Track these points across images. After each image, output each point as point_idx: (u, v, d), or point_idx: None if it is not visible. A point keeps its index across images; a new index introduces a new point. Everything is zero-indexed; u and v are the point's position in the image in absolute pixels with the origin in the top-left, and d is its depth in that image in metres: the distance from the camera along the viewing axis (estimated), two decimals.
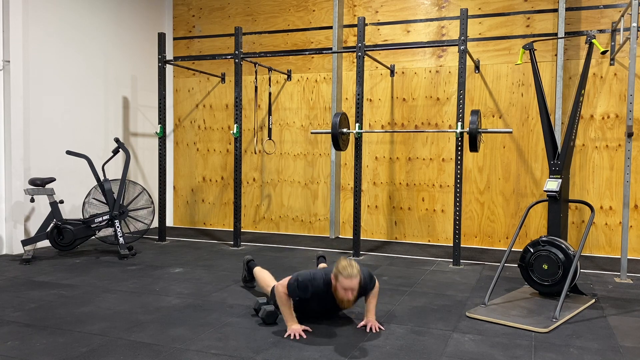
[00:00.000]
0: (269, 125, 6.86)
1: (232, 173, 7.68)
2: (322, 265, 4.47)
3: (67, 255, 5.75)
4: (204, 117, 7.88)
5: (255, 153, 7.30)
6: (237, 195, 6.26)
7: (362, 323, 3.47)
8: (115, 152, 6.09)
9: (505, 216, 6.45)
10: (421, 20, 6.74)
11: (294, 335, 3.28)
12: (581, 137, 6.10)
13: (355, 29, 6.94)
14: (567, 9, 6.09)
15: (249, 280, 4.40)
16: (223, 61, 7.66)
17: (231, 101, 7.66)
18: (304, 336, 3.29)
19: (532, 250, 4.14)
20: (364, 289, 3.44)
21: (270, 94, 7.17)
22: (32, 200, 5.53)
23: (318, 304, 3.53)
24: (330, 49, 7.08)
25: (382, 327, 3.45)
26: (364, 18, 5.79)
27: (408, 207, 6.86)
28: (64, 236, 5.58)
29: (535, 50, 4.66)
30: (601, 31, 6.01)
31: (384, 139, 6.91)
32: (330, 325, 3.52)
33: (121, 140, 7.23)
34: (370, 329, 3.41)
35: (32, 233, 5.96)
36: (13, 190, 5.75)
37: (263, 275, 4.03)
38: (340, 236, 7.21)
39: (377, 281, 3.57)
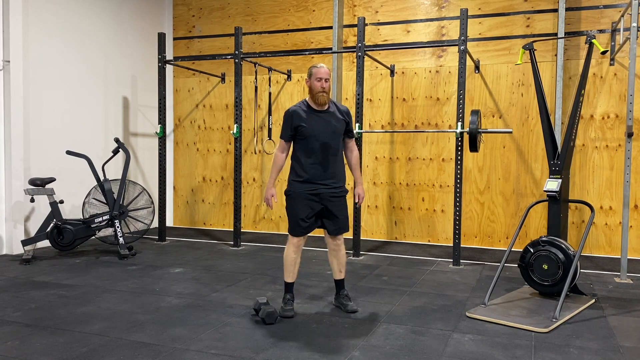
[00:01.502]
0: (269, 125, 6.86)
1: (232, 173, 7.67)
2: None
3: (67, 255, 5.75)
4: (204, 117, 7.87)
5: (255, 153, 7.30)
6: (237, 195, 6.26)
7: (355, 193, 3.95)
8: (115, 152, 6.09)
9: (505, 216, 6.45)
10: (421, 20, 6.74)
11: (267, 202, 3.77)
12: (581, 137, 6.10)
13: (355, 29, 6.93)
14: (567, 9, 6.09)
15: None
16: (223, 61, 7.65)
17: (231, 101, 7.66)
18: (276, 200, 3.77)
19: (532, 250, 4.14)
20: (340, 109, 3.78)
21: (270, 94, 7.17)
22: (32, 200, 5.53)
23: (313, 129, 3.66)
24: (330, 49, 7.08)
25: (363, 195, 3.97)
26: (364, 18, 5.79)
27: (408, 207, 6.86)
28: (64, 236, 5.58)
29: (535, 50, 4.66)
30: (601, 31, 6.01)
31: (384, 139, 6.91)
32: (330, 325, 3.52)
33: (121, 140, 7.22)
34: (359, 202, 3.95)
35: (32, 233, 5.96)
36: (13, 190, 5.75)
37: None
38: None
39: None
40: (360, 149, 5.75)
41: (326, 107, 3.72)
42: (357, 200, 3.96)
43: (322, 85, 3.63)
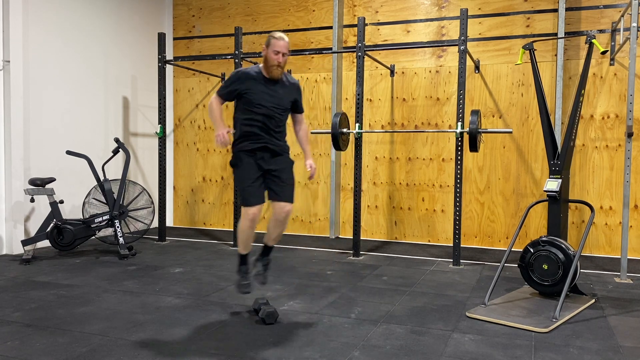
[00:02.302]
0: None
1: (232, 173, 7.67)
2: None
3: (67, 255, 5.75)
4: (204, 117, 7.87)
5: None
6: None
7: (307, 164, 3.79)
8: (115, 152, 6.09)
9: (505, 216, 6.45)
10: (421, 20, 6.74)
11: (220, 139, 3.46)
12: (581, 137, 6.10)
13: (355, 29, 6.93)
14: (567, 9, 6.09)
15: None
16: (223, 61, 7.65)
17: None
18: (228, 138, 3.47)
19: (532, 250, 4.14)
20: (290, 82, 3.66)
21: None
22: (32, 200, 5.53)
23: (259, 98, 3.49)
24: (330, 49, 7.08)
25: (313, 165, 3.83)
26: (364, 18, 5.79)
27: (408, 207, 6.86)
28: (64, 236, 5.58)
29: (535, 50, 4.66)
30: (601, 31, 6.01)
31: (384, 139, 6.91)
32: (330, 325, 3.52)
33: (121, 140, 7.22)
34: (312, 173, 3.80)
35: (32, 233, 5.96)
36: (13, 190, 5.75)
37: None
38: (340, 236, 7.21)
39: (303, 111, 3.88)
40: (360, 149, 5.76)
41: (278, 80, 3.57)
42: (309, 170, 3.80)
43: (278, 59, 3.48)
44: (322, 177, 7.25)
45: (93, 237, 5.89)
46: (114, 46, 7.14)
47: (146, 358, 2.95)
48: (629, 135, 4.73)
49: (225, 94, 3.59)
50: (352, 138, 5.93)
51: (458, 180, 5.36)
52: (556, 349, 3.13)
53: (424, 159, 6.75)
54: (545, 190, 4.31)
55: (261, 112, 3.52)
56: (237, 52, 6.16)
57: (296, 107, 3.77)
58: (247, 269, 3.72)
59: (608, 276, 5.02)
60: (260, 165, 3.55)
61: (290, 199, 3.65)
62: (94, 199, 6.15)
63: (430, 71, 6.70)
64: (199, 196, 7.96)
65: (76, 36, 6.58)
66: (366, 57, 5.96)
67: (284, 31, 7.36)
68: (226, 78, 7.63)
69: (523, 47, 4.65)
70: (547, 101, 4.80)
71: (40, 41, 6.11)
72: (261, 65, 3.57)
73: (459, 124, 5.29)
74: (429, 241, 6.78)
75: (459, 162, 5.34)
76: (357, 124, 5.68)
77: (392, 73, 6.85)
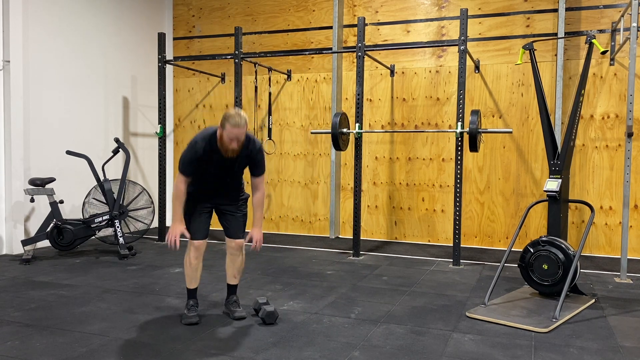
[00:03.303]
0: (269, 125, 6.86)
1: None
2: None
3: (67, 255, 5.75)
4: (204, 117, 7.87)
5: None
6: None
7: (248, 237, 3.53)
8: (115, 152, 6.09)
9: (505, 216, 6.45)
10: (421, 20, 6.74)
11: (171, 237, 3.31)
12: (581, 137, 6.10)
13: (355, 29, 6.93)
14: (567, 9, 6.09)
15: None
16: (223, 61, 7.65)
17: (231, 101, 7.66)
18: (177, 242, 3.32)
19: (532, 250, 4.14)
20: (250, 152, 3.44)
21: (270, 94, 7.17)
22: (32, 200, 5.53)
23: (213, 166, 3.40)
24: (330, 49, 7.08)
25: (260, 242, 3.53)
26: (364, 18, 5.79)
27: (408, 207, 6.86)
28: (64, 236, 5.58)
29: (535, 50, 4.66)
30: (601, 31, 6.01)
31: (384, 139, 6.91)
32: (330, 325, 3.52)
33: (121, 140, 7.23)
34: (256, 245, 3.51)
35: (32, 233, 5.96)
36: (13, 190, 5.75)
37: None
38: (340, 236, 7.21)
39: (264, 172, 3.60)
40: (360, 149, 5.76)
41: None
42: (252, 244, 3.54)
43: (232, 146, 3.28)
44: (322, 177, 7.25)
45: (93, 237, 5.89)
46: (113, 46, 7.14)
47: (146, 358, 2.95)
48: (629, 135, 4.73)
49: (188, 171, 3.39)
50: (352, 138, 5.93)
51: (458, 180, 5.36)
52: (556, 349, 3.13)
53: (424, 159, 6.75)
54: (545, 190, 4.31)
55: (212, 175, 3.46)
56: (237, 52, 6.17)
57: (252, 171, 3.56)
58: (195, 303, 3.66)
59: (608, 276, 5.02)
60: (210, 204, 3.56)
61: (239, 235, 3.61)
62: (94, 199, 6.15)
63: (430, 71, 6.70)
64: None
65: (76, 36, 6.58)
66: (366, 57, 5.96)
67: (284, 31, 7.37)
68: (226, 78, 7.66)
69: (523, 47, 4.65)
70: (547, 101, 4.80)
71: (40, 41, 6.11)
72: (218, 133, 3.35)
73: (459, 124, 5.29)
74: (429, 241, 6.78)
75: (459, 162, 5.34)
76: (357, 124, 5.68)
77: (392, 73, 6.85)
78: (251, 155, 3.47)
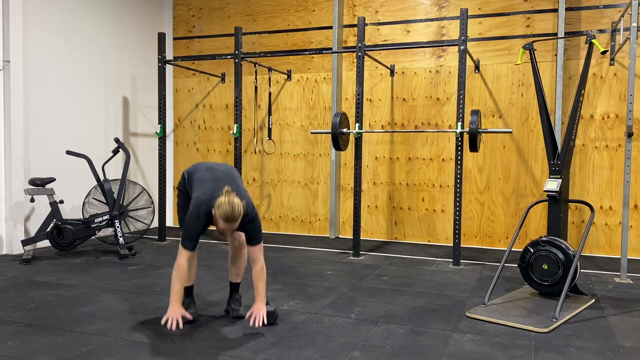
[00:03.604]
0: (269, 125, 6.86)
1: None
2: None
3: (67, 255, 5.75)
4: (204, 117, 7.88)
5: (255, 153, 7.30)
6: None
7: (248, 314, 3.33)
8: (115, 152, 6.09)
9: (505, 216, 6.45)
10: (421, 20, 6.74)
11: (171, 321, 3.12)
12: (581, 137, 6.10)
13: (355, 29, 6.94)
14: (567, 9, 6.09)
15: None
16: (223, 61, 7.66)
17: (231, 101, 7.66)
18: (181, 325, 3.13)
19: (532, 250, 4.14)
20: (245, 225, 3.25)
21: (270, 94, 7.17)
22: (32, 200, 5.53)
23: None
24: (330, 49, 7.08)
25: (265, 320, 3.28)
26: (364, 18, 5.79)
27: (408, 207, 6.86)
28: (64, 236, 5.58)
29: (535, 50, 4.66)
30: (601, 31, 6.01)
31: (384, 139, 6.91)
32: (330, 325, 3.52)
33: (121, 140, 7.23)
34: (254, 321, 3.24)
35: (32, 233, 5.96)
36: (13, 190, 5.75)
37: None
38: (340, 236, 7.21)
39: (261, 242, 3.33)
40: (360, 149, 5.76)
41: None
42: (251, 320, 3.29)
43: (225, 232, 3.14)
44: (322, 177, 7.25)
45: (93, 237, 5.90)
46: (113, 46, 7.14)
47: (146, 358, 2.95)
48: (629, 135, 4.73)
49: (192, 245, 3.26)
50: (352, 138, 5.94)
51: (458, 180, 5.36)
52: (556, 349, 3.13)
53: (424, 159, 6.75)
54: (545, 190, 4.31)
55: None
56: (237, 52, 6.17)
57: (247, 240, 3.37)
58: (191, 300, 3.64)
59: (608, 276, 5.02)
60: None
61: (251, 242, 3.38)
62: (94, 198, 6.15)
63: (430, 71, 6.70)
64: None
65: (76, 36, 6.58)
66: (366, 57, 5.96)
67: (284, 31, 7.37)
68: (226, 78, 7.66)
69: (523, 47, 4.65)
70: (547, 101, 4.80)
71: (40, 41, 6.11)
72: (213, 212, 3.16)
73: (459, 124, 5.29)
74: (429, 241, 6.78)
75: (459, 162, 5.34)
76: (357, 124, 5.68)
77: (392, 73, 6.85)
78: (245, 227, 3.27)
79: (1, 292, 4.24)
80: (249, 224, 3.27)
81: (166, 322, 3.16)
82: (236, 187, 3.31)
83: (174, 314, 3.18)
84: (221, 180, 3.31)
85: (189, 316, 3.28)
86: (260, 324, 3.27)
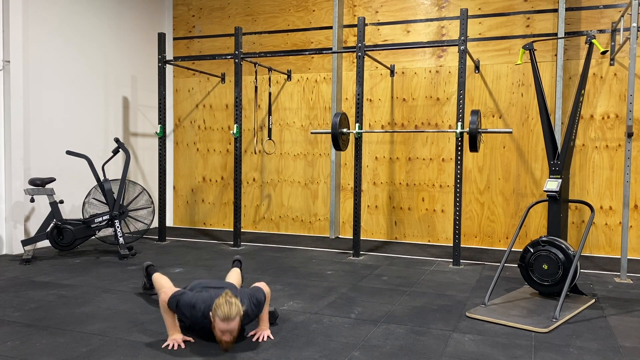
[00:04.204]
0: (269, 125, 6.86)
1: (232, 173, 7.69)
2: (235, 272, 3.93)
3: (67, 255, 5.75)
4: (204, 117, 7.88)
5: (255, 153, 7.30)
6: (237, 196, 6.26)
7: (252, 332, 3.27)
8: (115, 152, 6.09)
9: (505, 216, 6.45)
10: (421, 20, 6.74)
11: (173, 345, 3.08)
12: (581, 137, 6.10)
13: (355, 29, 6.94)
14: (567, 9, 6.09)
15: (149, 288, 4.09)
16: (223, 61, 7.66)
17: (231, 101, 7.66)
18: (183, 346, 3.09)
19: (532, 250, 4.14)
20: (250, 318, 3.22)
21: (270, 94, 7.17)
22: (32, 200, 5.53)
23: (202, 330, 3.21)
24: (330, 49, 7.08)
25: (271, 337, 3.24)
26: (364, 18, 5.79)
27: (408, 207, 6.86)
28: (64, 236, 5.58)
29: (535, 50, 4.66)
30: (601, 31, 6.01)
31: (384, 139, 6.92)
32: (330, 325, 3.52)
33: (121, 140, 7.23)
34: (259, 337, 3.22)
35: (32, 233, 5.96)
36: (13, 190, 5.75)
37: (160, 281, 3.73)
38: (340, 236, 7.21)
39: (266, 291, 3.28)
40: (360, 149, 5.75)
41: None
42: (254, 337, 3.24)
43: (225, 338, 2.96)
44: (322, 177, 7.25)
45: (93, 237, 5.90)
46: (113, 46, 7.14)
47: (146, 358, 2.95)
48: (629, 135, 4.73)
49: (173, 308, 3.13)
50: (352, 138, 5.94)
51: (458, 180, 5.36)
52: (556, 349, 3.13)
53: (424, 159, 6.75)
54: (545, 190, 4.31)
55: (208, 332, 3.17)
56: (237, 52, 6.17)
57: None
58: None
59: (608, 276, 5.02)
60: None
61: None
62: (94, 199, 6.15)
63: (430, 71, 6.70)
64: (199, 196, 7.96)
65: (76, 36, 6.58)
66: (366, 57, 5.97)
67: (284, 31, 7.37)
68: (226, 78, 7.66)
69: (523, 47, 4.65)
70: (547, 101, 4.80)
71: (40, 41, 6.11)
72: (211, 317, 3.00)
73: (459, 124, 5.29)
74: (429, 241, 6.78)
75: (459, 162, 5.34)
76: (357, 124, 5.68)
77: (392, 73, 6.85)
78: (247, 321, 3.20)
79: (1, 292, 4.24)
80: (248, 317, 3.16)
81: (167, 346, 3.12)
82: (237, 292, 3.22)
83: (176, 339, 3.13)
84: (222, 289, 3.18)
85: (190, 340, 3.19)
86: (265, 339, 3.23)
